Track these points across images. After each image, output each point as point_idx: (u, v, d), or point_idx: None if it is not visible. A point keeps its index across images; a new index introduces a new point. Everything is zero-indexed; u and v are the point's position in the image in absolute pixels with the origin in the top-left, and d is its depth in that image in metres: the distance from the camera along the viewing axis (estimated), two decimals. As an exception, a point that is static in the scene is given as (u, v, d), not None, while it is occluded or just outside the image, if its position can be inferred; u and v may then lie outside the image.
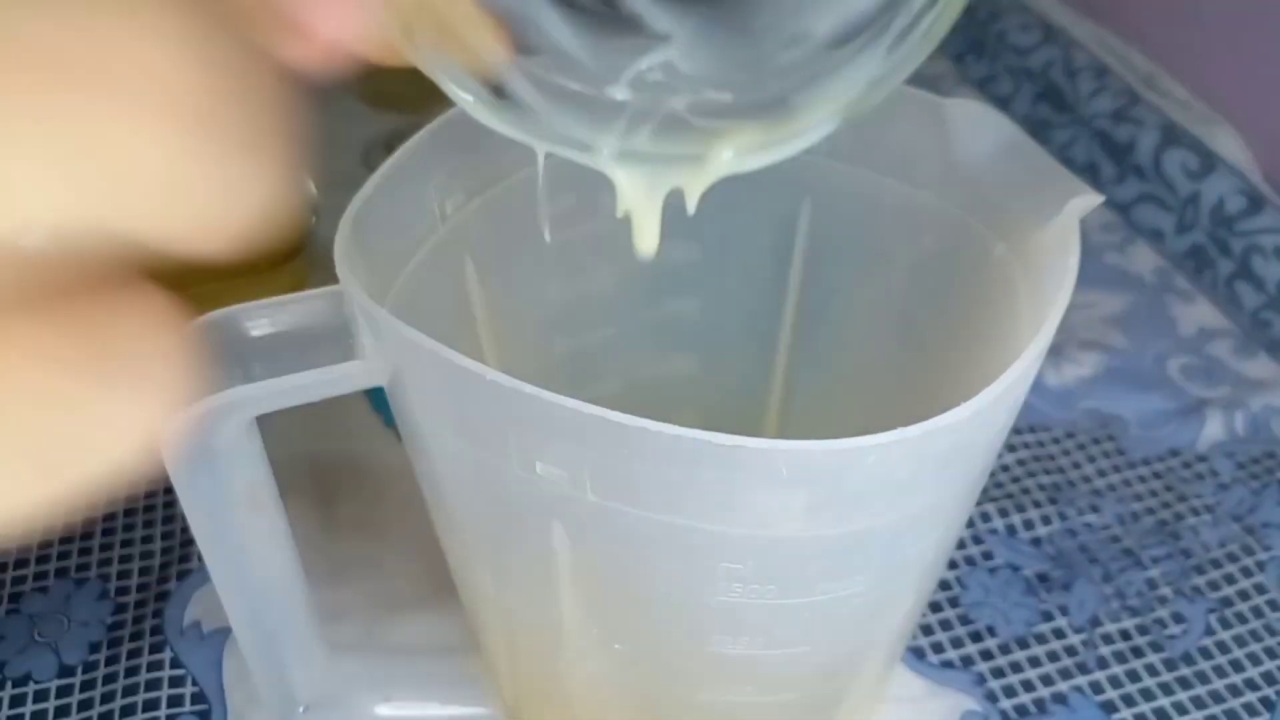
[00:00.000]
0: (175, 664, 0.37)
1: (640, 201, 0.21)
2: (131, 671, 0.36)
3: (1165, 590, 0.40)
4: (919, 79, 0.23)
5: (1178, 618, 0.39)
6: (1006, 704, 0.36)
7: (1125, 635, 0.38)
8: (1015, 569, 0.40)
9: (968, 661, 0.37)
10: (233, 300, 0.23)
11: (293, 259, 0.46)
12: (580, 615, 0.25)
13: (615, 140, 0.19)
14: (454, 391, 0.21)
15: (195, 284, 0.43)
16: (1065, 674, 0.37)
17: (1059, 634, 0.38)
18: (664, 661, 0.27)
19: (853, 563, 0.22)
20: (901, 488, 0.21)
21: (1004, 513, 0.42)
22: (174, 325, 0.13)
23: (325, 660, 0.30)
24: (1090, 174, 0.61)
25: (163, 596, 0.39)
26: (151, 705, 0.35)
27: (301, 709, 0.30)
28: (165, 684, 0.36)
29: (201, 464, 0.23)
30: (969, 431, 0.20)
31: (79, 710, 0.35)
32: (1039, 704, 0.36)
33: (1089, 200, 0.23)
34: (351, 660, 0.32)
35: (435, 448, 0.24)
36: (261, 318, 0.23)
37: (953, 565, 0.40)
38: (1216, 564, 0.40)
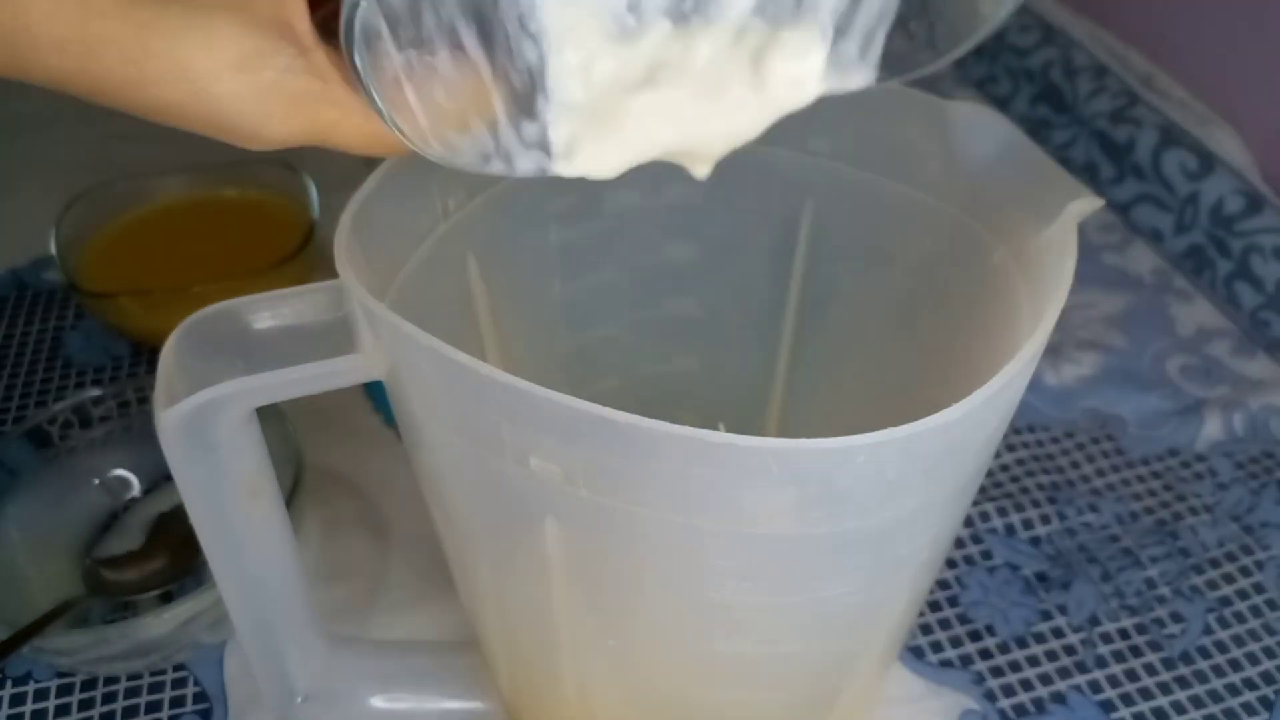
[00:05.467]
0: (177, 664, 0.37)
1: None
2: (134, 673, 0.36)
3: (1164, 590, 0.40)
4: (918, 80, 0.23)
5: (1176, 617, 0.39)
6: (1005, 703, 0.36)
7: (1124, 634, 0.38)
8: (1014, 568, 0.40)
9: (966, 661, 0.37)
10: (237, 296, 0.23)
11: (294, 258, 0.46)
12: (574, 610, 0.25)
13: None
14: (450, 386, 0.21)
15: (198, 282, 0.43)
16: (1064, 673, 0.37)
17: (1058, 633, 0.38)
18: (658, 658, 0.27)
19: (844, 562, 0.23)
20: (892, 488, 0.21)
21: (1003, 512, 0.42)
22: None
23: (324, 652, 0.30)
24: (1089, 174, 0.61)
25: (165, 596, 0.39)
26: (154, 706, 0.36)
27: (299, 699, 0.30)
28: (168, 685, 0.36)
29: (201, 454, 0.23)
30: (960, 432, 0.20)
31: (79, 710, 0.35)
32: (1038, 703, 0.36)
33: (1088, 203, 0.23)
34: (350, 653, 0.32)
35: (432, 442, 0.24)
36: (262, 311, 0.23)
37: (951, 564, 0.40)
38: (1215, 564, 0.40)
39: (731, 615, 0.23)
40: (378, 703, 0.32)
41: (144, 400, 0.41)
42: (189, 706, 0.36)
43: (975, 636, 0.38)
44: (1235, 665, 0.37)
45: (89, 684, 0.36)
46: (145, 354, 0.49)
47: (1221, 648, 0.38)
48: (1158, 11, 0.63)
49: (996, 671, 0.37)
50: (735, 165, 0.32)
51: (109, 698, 0.36)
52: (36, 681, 0.36)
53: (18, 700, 0.36)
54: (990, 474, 0.44)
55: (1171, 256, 0.56)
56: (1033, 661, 0.37)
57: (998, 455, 0.45)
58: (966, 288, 0.28)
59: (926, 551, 0.25)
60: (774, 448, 0.19)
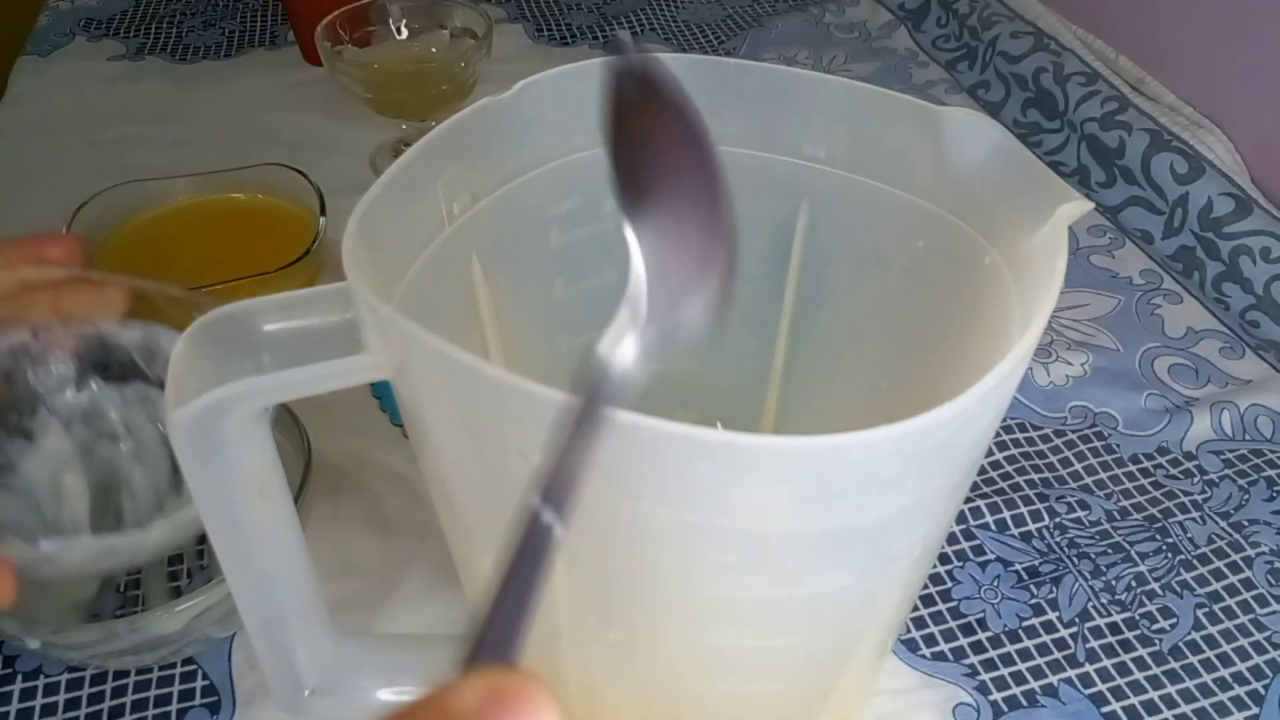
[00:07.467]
0: (186, 658, 0.37)
1: None
2: (143, 667, 0.37)
3: (1154, 585, 0.40)
4: (913, 86, 0.23)
5: (1166, 612, 0.39)
6: (998, 696, 0.37)
7: (1115, 629, 0.39)
8: (1006, 563, 0.41)
9: (960, 654, 0.38)
10: (245, 298, 0.24)
11: (301, 261, 0.47)
12: (575, 605, 0.26)
13: None
14: (454, 385, 0.22)
15: (207, 285, 0.44)
16: (1056, 667, 0.37)
17: (1049, 627, 0.39)
18: (657, 651, 0.27)
19: (838, 557, 0.23)
20: (885, 484, 0.21)
21: (995, 508, 0.43)
22: None
23: (331, 645, 0.31)
24: (1080, 178, 0.61)
25: (174, 591, 0.39)
26: (163, 700, 0.36)
27: (307, 692, 0.31)
28: (177, 678, 0.37)
29: (211, 451, 0.24)
30: (952, 430, 0.21)
31: (89, 704, 0.36)
32: (1030, 696, 0.37)
33: (1079, 206, 0.24)
34: (357, 647, 0.32)
35: (437, 439, 0.25)
36: (271, 313, 0.24)
37: (944, 559, 0.41)
38: (1204, 560, 0.41)
39: (729, 609, 0.24)
40: (384, 695, 0.32)
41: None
42: (197, 700, 0.36)
43: (968, 630, 0.39)
44: (1225, 660, 0.38)
45: (99, 678, 0.37)
46: (151, 355, 0.50)
47: (1211, 642, 0.38)
48: (1148, 18, 0.63)
49: (989, 665, 0.38)
50: (732, 170, 0.32)
51: (118, 691, 0.36)
52: (47, 676, 0.37)
53: (28, 695, 0.36)
54: (982, 471, 0.45)
55: (1161, 258, 0.57)
56: (1025, 655, 0.38)
57: (989, 453, 0.45)
58: (959, 289, 0.29)
59: (920, 547, 0.25)
60: (771, 445, 0.19)
